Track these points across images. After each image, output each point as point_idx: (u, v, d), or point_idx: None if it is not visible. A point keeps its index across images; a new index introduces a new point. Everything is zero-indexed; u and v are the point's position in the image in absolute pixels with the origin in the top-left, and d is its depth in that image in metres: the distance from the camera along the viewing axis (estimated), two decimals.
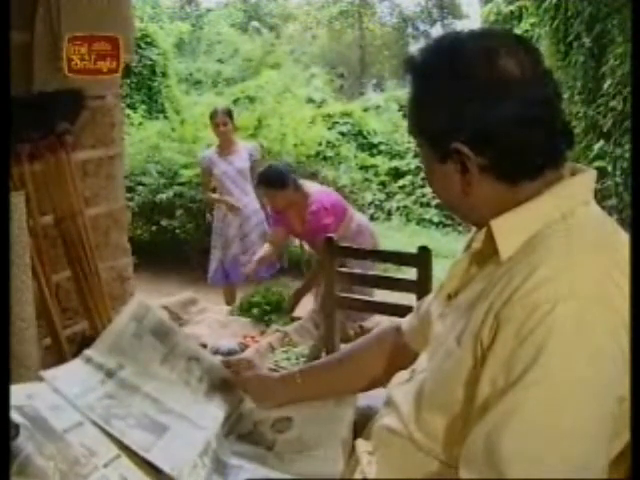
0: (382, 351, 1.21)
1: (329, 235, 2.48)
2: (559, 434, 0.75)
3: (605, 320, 0.76)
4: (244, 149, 4.34)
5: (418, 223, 8.55)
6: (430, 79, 0.88)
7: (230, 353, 2.63)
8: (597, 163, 5.15)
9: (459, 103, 0.84)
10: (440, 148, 0.88)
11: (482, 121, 0.83)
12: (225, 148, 4.30)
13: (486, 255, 0.90)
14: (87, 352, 1.14)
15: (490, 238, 0.88)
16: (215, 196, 4.42)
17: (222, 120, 4.22)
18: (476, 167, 0.86)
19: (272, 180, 3.28)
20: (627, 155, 4.98)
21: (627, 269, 0.78)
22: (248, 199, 4.32)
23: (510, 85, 0.83)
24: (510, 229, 0.86)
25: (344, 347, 1.31)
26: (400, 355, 1.18)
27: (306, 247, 3.94)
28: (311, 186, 3.45)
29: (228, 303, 4.09)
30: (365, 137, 9.20)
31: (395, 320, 1.27)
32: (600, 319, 0.76)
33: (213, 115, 4.30)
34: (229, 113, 4.30)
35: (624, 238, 0.84)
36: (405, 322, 1.21)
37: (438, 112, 0.87)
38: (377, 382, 1.21)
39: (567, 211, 0.85)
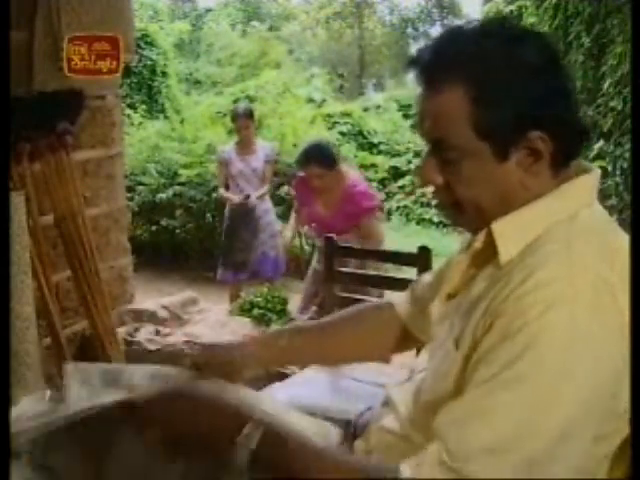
0: (377, 325, 1.19)
1: (328, 235, 2.48)
2: (525, 438, 0.74)
3: (596, 331, 0.75)
4: (261, 149, 4.39)
5: (418, 223, 8.55)
6: (492, 72, 0.82)
7: None
8: (597, 163, 5.15)
9: (527, 92, 0.82)
10: (508, 143, 0.83)
11: (554, 107, 0.83)
12: (244, 147, 4.36)
13: (486, 255, 0.89)
14: None
15: (491, 239, 0.87)
16: (222, 192, 4.46)
17: (244, 124, 4.29)
18: (549, 155, 0.84)
19: (326, 158, 3.11)
20: (627, 155, 4.98)
21: (627, 277, 0.78)
22: (260, 199, 4.34)
23: (564, 69, 0.85)
24: (511, 233, 0.85)
25: (336, 314, 1.24)
26: (391, 334, 1.17)
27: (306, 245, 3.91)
28: (346, 169, 3.36)
29: (233, 301, 4.08)
30: (365, 137, 9.20)
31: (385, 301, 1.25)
32: (591, 329, 0.75)
33: (235, 117, 4.37)
34: (250, 114, 4.36)
35: (625, 244, 0.83)
36: (401, 306, 1.18)
37: (508, 104, 0.82)
38: (369, 357, 1.20)
39: (570, 214, 0.84)
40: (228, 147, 4.49)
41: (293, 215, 3.72)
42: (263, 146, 4.46)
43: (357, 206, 3.10)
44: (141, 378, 1.00)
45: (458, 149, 0.84)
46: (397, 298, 1.20)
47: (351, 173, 3.31)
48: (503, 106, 0.82)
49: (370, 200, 3.16)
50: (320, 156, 3.11)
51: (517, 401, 0.75)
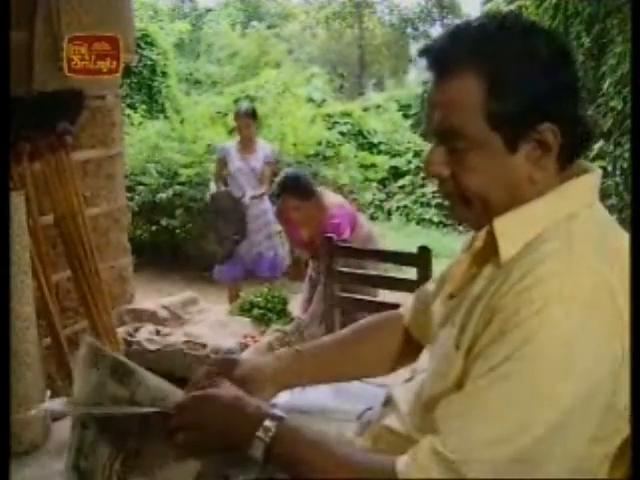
0: (384, 337, 1.19)
1: (328, 235, 2.48)
2: (518, 433, 0.75)
3: (593, 328, 0.75)
4: (261, 150, 4.41)
5: (418, 223, 8.56)
6: (506, 63, 0.83)
7: (230, 353, 2.63)
8: (597, 163, 5.15)
9: (540, 84, 0.82)
10: (518, 134, 0.83)
11: (564, 101, 0.84)
12: (245, 147, 4.39)
13: (487, 254, 0.89)
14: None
15: (492, 238, 0.87)
16: (212, 187, 4.48)
17: (245, 123, 4.32)
18: (557, 150, 0.84)
19: (301, 189, 3.04)
20: (627, 155, 4.98)
21: (626, 277, 0.78)
22: (258, 199, 4.35)
23: (574, 66, 0.87)
24: (512, 231, 0.85)
25: (345, 331, 1.25)
26: (403, 343, 1.17)
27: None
28: (327, 195, 3.31)
29: (232, 301, 4.09)
30: (365, 137, 9.20)
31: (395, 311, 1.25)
32: (588, 326, 0.75)
33: (236, 116, 4.42)
34: (253, 113, 4.38)
35: (626, 244, 0.83)
36: (407, 312, 1.19)
37: (521, 95, 0.82)
38: (379, 370, 1.19)
39: (570, 214, 0.84)
40: (228, 144, 4.51)
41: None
42: (263, 147, 4.47)
43: (337, 237, 2.94)
44: (145, 390, 0.98)
45: (468, 138, 0.84)
46: (404, 308, 1.20)
47: (331, 200, 3.22)
48: (516, 97, 0.82)
49: (338, 234, 3.00)
50: (295, 187, 3.05)
51: (514, 394, 0.75)
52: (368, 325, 1.23)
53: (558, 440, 0.75)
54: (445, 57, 0.86)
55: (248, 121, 4.32)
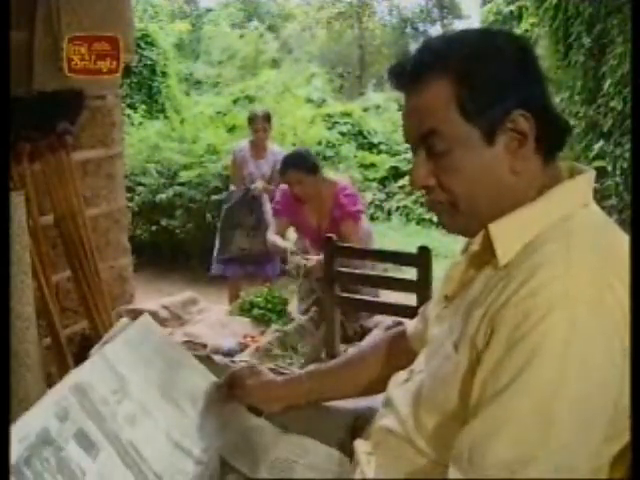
0: (388, 355, 1.20)
1: (328, 235, 2.48)
2: (546, 444, 0.74)
3: (599, 330, 0.75)
4: (272, 155, 4.38)
5: (418, 223, 8.55)
6: (471, 59, 0.86)
7: (230, 353, 2.63)
8: (597, 163, 5.15)
9: (506, 74, 0.85)
10: (494, 124, 0.85)
11: (532, 89, 0.87)
12: (258, 151, 4.38)
13: (484, 257, 0.89)
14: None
15: (488, 241, 0.87)
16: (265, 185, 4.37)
17: (262, 126, 4.30)
18: (534, 139, 0.86)
19: (305, 163, 3.03)
20: (627, 155, 4.98)
21: (626, 278, 0.77)
22: (264, 192, 4.35)
23: (537, 61, 0.90)
24: (508, 234, 0.85)
25: (351, 350, 1.30)
26: (407, 360, 1.17)
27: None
28: (331, 175, 3.36)
29: (232, 301, 4.08)
30: (365, 137, 9.20)
31: (401, 322, 1.27)
32: (594, 328, 0.75)
33: (252, 119, 4.36)
34: (268, 118, 4.36)
35: (625, 245, 0.82)
36: (410, 326, 1.20)
37: (490, 85, 0.85)
38: (381, 386, 1.20)
39: (566, 215, 0.84)
40: (243, 145, 4.48)
41: (273, 230, 3.34)
42: (274, 152, 4.44)
43: (342, 209, 3.04)
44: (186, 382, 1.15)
45: (447, 136, 0.86)
46: (409, 325, 1.21)
47: (340, 178, 3.28)
48: (485, 87, 0.85)
49: (354, 204, 3.10)
50: (298, 162, 3.05)
51: (531, 409, 0.75)
52: (374, 345, 1.25)
53: (580, 446, 0.75)
54: (412, 68, 0.89)
55: (265, 125, 4.30)
